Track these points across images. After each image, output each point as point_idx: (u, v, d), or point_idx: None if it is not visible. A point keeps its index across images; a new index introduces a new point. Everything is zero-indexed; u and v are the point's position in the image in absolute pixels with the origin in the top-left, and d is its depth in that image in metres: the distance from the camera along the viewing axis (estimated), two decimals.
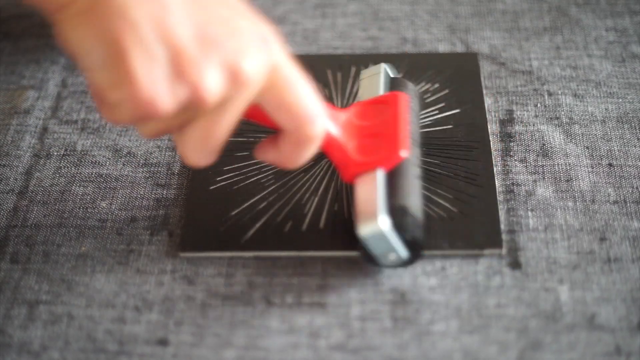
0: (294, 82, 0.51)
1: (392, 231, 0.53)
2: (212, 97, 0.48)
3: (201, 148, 0.51)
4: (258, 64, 0.49)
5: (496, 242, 0.57)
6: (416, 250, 0.54)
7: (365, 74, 0.62)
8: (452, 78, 0.68)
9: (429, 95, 0.67)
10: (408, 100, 0.59)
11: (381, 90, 0.60)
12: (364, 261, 0.55)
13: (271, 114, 0.51)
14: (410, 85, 0.61)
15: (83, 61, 0.47)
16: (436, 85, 0.68)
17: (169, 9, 0.47)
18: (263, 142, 0.55)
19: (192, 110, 0.49)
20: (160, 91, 0.46)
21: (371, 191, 0.54)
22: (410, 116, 0.58)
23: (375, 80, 0.61)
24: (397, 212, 0.54)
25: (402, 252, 0.54)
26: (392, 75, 0.62)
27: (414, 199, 0.55)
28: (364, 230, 0.53)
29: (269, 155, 0.55)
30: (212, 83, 0.47)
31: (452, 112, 0.66)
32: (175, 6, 0.47)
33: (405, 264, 0.55)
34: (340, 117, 0.57)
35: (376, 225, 0.53)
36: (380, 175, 0.55)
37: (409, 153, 0.56)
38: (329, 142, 0.55)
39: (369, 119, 0.58)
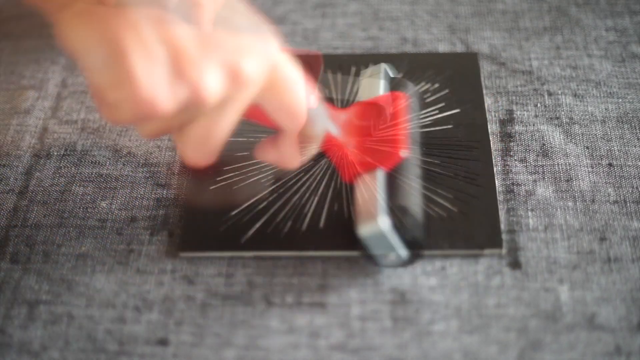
0: (293, 82, 0.51)
1: (392, 231, 0.53)
2: (212, 97, 0.48)
3: (201, 148, 0.51)
4: (258, 64, 0.49)
5: (496, 242, 0.57)
6: (416, 250, 0.55)
7: (366, 74, 0.63)
8: (452, 78, 0.68)
9: (429, 95, 0.67)
10: (408, 101, 0.59)
11: (381, 91, 0.60)
12: (364, 260, 0.55)
13: (271, 114, 0.52)
14: (410, 85, 0.62)
15: (83, 61, 0.47)
16: (436, 85, 0.68)
17: (169, 9, 0.47)
18: (263, 142, 0.55)
19: (192, 110, 0.49)
20: (160, 91, 0.47)
21: (371, 191, 0.54)
22: (410, 116, 0.58)
23: (375, 81, 0.61)
24: (397, 212, 0.54)
25: (402, 252, 0.54)
26: (392, 75, 0.62)
27: (413, 199, 0.55)
28: (364, 230, 0.53)
29: (270, 155, 0.55)
30: (212, 83, 0.47)
31: (452, 112, 0.66)
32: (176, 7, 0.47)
33: (405, 263, 0.55)
34: (341, 117, 0.57)
35: (376, 225, 0.53)
36: (380, 175, 0.55)
37: (408, 153, 0.56)
38: (329, 143, 0.55)
39: (369, 119, 0.58)
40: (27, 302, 0.56)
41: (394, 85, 0.61)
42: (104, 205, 0.61)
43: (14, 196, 0.62)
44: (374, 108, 0.58)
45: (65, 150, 0.65)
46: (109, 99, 0.48)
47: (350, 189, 0.60)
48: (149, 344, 0.54)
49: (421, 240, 0.55)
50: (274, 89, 0.50)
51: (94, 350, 0.54)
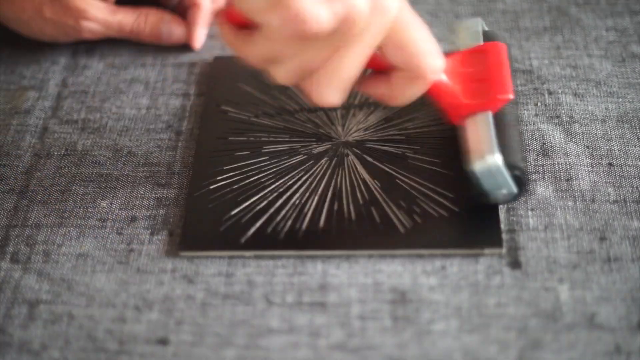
0: (415, 22, 0.55)
1: (504, 167, 0.56)
2: (362, 17, 0.51)
3: (336, 84, 0.54)
4: None
5: (496, 242, 0.57)
6: (523, 185, 0.57)
7: (463, 25, 0.65)
8: None
9: None
10: (506, 50, 0.62)
11: (481, 41, 0.63)
12: (475, 199, 0.58)
13: (389, 52, 0.55)
14: (501, 37, 0.64)
15: None
16: None
17: None
18: (371, 77, 0.58)
19: (337, 37, 0.51)
20: (316, 8, 0.49)
21: (483, 130, 0.57)
22: (509, 63, 0.62)
23: (475, 32, 0.63)
24: (506, 150, 0.56)
25: (512, 187, 0.57)
26: (485, 29, 0.65)
27: (516, 138, 0.58)
28: (479, 166, 0.56)
29: (379, 89, 0.58)
30: (361, 3, 0.50)
31: None
32: None
33: (514, 199, 0.58)
34: (447, 63, 0.59)
35: (492, 159, 0.56)
36: (490, 116, 0.58)
37: (513, 95, 0.59)
38: (438, 85, 0.58)
39: (471, 66, 0.61)
40: (27, 301, 0.56)
41: (489, 37, 0.64)
42: (104, 205, 0.61)
43: (15, 196, 0.62)
44: (475, 56, 0.61)
45: (66, 150, 0.65)
46: (262, 22, 0.50)
47: (351, 188, 0.60)
48: (149, 344, 0.54)
49: (527, 176, 0.58)
50: (398, 27, 0.54)
51: (94, 349, 0.54)
